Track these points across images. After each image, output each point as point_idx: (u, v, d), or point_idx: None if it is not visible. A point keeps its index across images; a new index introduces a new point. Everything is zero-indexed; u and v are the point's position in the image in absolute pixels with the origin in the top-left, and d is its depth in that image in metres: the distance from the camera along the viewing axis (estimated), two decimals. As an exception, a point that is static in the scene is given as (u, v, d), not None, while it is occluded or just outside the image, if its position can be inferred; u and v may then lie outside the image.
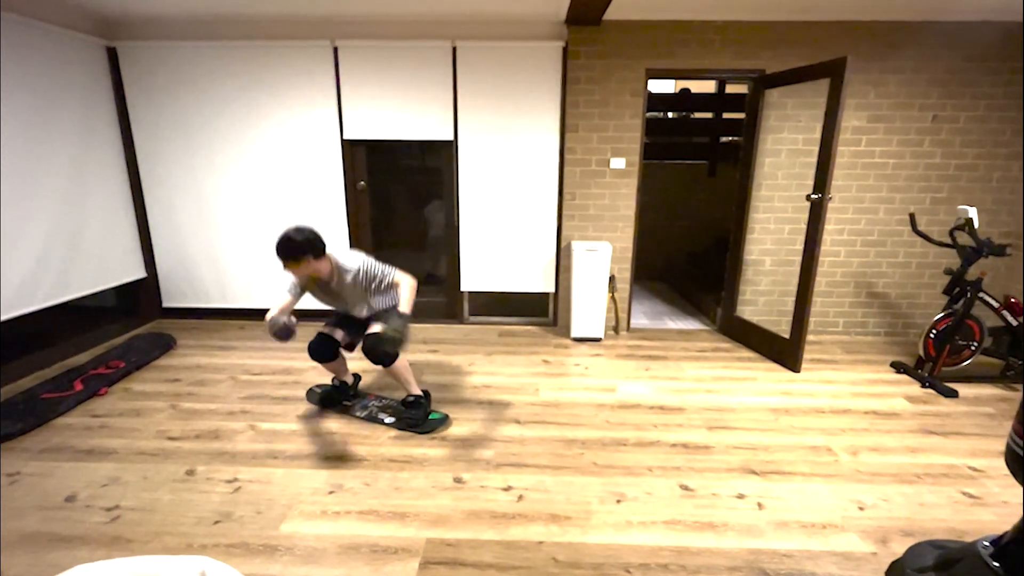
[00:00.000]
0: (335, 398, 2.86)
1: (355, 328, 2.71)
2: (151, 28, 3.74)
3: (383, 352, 2.50)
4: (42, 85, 3.23)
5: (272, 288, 4.18)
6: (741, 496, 2.16)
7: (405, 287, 2.52)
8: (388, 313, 2.54)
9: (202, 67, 3.79)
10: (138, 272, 4.11)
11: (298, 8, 3.47)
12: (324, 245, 2.39)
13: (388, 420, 2.71)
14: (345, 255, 2.51)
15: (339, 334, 2.70)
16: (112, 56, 3.76)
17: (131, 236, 4.04)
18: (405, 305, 2.46)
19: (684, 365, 3.51)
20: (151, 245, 4.15)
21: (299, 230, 2.32)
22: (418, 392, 2.72)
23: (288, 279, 2.44)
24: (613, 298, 4.05)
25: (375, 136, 3.90)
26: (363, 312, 2.63)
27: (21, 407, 2.73)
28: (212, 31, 3.73)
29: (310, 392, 2.99)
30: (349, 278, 2.47)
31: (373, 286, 2.53)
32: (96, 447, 2.46)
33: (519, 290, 4.19)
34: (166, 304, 4.28)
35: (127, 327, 4.03)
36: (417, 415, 2.66)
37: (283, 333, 2.30)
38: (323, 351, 2.66)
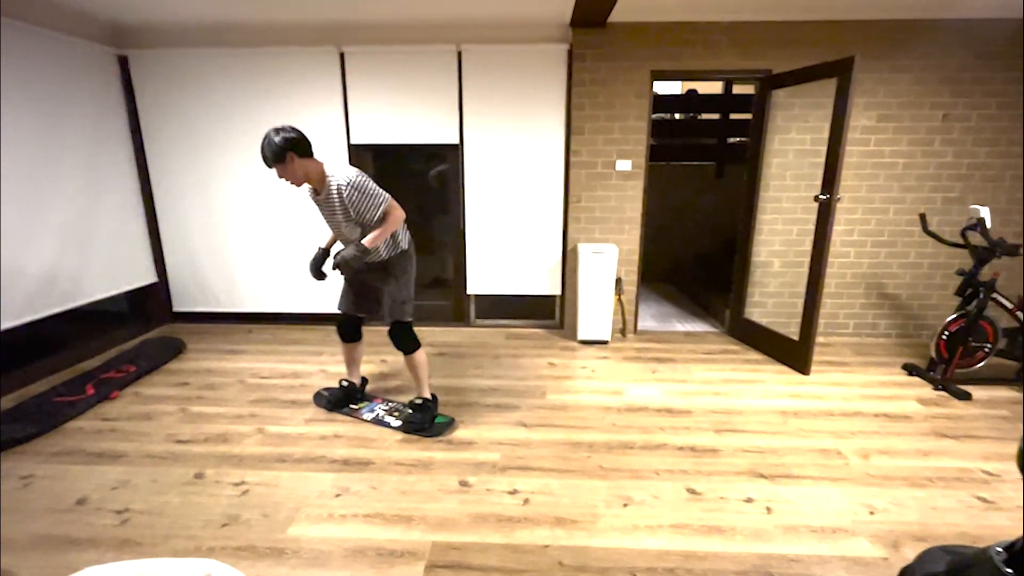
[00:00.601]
0: (342, 401, 2.88)
1: (365, 292, 2.64)
2: (161, 36, 3.79)
3: (394, 332, 2.60)
4: (55, 93, 3.29)
5: (280, 293, 4.23)
6: (749, 500, 2.14)
7: (384, 221, 2.41)
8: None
9: (211, 74, 3.84)
10: (149, 277, 4.16)
11: (305, 15, 3.51)
12: (309, 145, 2.30)
13: (395, 423, 2.72)
14: (340, 165, 2.38)
15: (355, 307, 2.67)
16: (123, 64, 3.82)
17: (142, 241, 4.09)
18: (368, 238, 2.37)
19: (692, 367, 3.49)
20: (161, 250, 4.20)
21: (280, 129, 2.23)
22: (427, 395, 2.73)
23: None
24: (620, 300, 4.03)
25: (381, 140, 3.92)
26: (354, 236, 2.47)
27: (34, 411, 2.77)
28: (221, 38, 3.78)
29: (317, 395, 3.01)
30: (335, 190, 2.33)
31: (357, 213, 2.37)
32: (106, 450, 2.49)
33: (525, 292, 4.19)
34: (176, 308, 4.33)
35: (138, 331, 4.08)
36: (423, 418, 2.66)
37: (314, 276, 2.65)
38: (347, 325, 2.79)
